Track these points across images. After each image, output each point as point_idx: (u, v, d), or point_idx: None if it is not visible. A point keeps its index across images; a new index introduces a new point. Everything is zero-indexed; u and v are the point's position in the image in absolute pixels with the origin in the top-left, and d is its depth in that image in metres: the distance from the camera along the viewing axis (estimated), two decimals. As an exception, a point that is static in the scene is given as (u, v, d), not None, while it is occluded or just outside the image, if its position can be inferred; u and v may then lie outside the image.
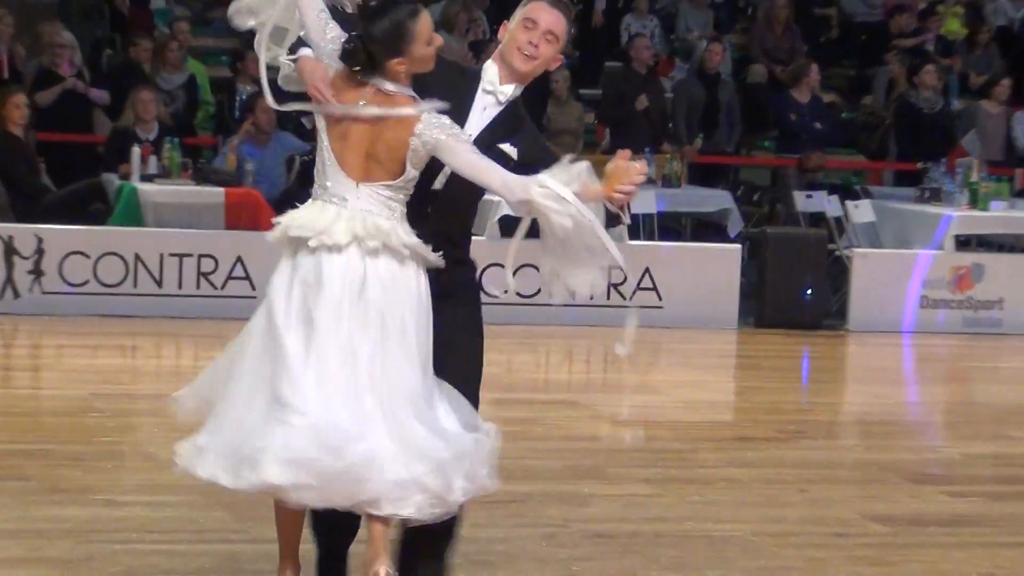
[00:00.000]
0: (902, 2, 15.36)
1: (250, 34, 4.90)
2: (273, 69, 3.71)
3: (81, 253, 9.82)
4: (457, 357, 3.70)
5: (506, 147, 3.72)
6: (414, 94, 3.53)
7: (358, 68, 3.47)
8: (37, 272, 9.78)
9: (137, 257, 9.90)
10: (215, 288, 10.11)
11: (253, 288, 9.94)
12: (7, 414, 7.67)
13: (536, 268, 4.17)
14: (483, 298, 3.93)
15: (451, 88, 3.64)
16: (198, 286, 10.19)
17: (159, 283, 10.05)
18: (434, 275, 3.58)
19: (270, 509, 4.15)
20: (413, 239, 3.52)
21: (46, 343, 9.75)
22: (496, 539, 5.20)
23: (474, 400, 3.72)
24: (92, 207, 10.79)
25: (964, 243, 11.66)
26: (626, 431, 8.29)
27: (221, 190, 10.83)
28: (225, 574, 5.04)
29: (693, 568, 5.22)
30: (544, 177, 3.46)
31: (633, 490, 6.46)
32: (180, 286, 10.17)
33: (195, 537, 5.37)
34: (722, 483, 6.61)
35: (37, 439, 7.12)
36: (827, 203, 11.61)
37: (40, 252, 9.83)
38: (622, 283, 9.73)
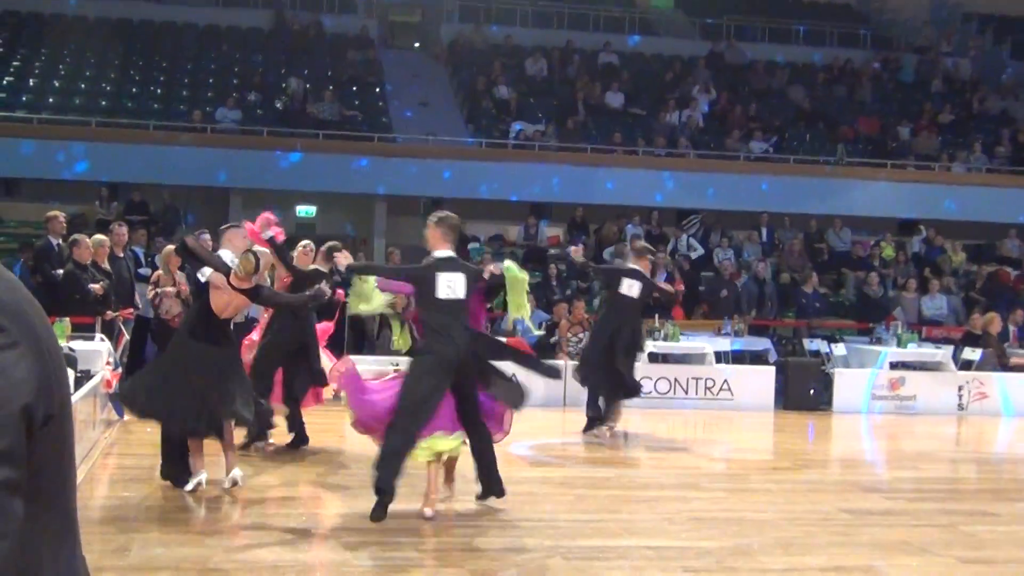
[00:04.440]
0: (859, 240, 19.06)
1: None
2: None
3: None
4: None
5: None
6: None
7: None
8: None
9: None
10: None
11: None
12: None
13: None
14: None
15: None
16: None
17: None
18: None
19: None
20: None
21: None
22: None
23: None
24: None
25: (894, 366, 14.03)
26: (719, 463, 9.66)
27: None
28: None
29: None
30: None
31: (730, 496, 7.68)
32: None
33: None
34: (767, 490, 8.06)
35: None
36: (821, 344, 14.66)
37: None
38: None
